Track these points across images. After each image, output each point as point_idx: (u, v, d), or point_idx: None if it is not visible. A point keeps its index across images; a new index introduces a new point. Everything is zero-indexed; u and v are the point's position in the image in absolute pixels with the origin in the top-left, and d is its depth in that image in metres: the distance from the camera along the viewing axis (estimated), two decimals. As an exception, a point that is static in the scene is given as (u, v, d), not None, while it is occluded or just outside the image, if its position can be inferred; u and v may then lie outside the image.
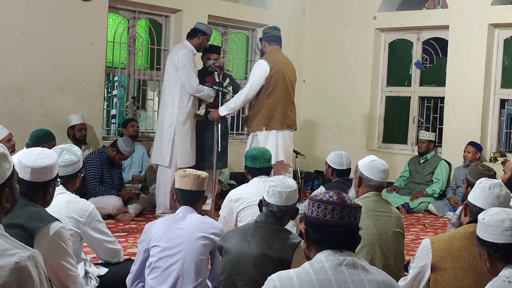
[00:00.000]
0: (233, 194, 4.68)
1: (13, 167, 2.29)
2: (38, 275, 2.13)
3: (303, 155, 8.93)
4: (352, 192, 4.18)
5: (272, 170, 5.07)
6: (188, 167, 6.53)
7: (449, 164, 8.73)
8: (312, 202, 2.44)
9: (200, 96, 7.03)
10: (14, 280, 2.06)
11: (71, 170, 3.70)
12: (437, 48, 9.70)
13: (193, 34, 7.12)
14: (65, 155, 3.67)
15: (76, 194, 3.83)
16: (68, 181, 3.71)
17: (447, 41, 9.05)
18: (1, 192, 2.21)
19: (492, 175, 4.47)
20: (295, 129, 7.43)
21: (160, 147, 7.07)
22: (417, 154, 8.92)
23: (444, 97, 9.11)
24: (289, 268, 2.49)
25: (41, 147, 3.56)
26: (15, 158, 3.39)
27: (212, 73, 7.14)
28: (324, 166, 5.63)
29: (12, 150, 6.59)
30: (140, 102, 9.11)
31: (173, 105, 6.99)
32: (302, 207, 5.30)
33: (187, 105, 7.02)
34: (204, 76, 7.22)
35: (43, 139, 6.13)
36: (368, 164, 4.08)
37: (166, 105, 7.06)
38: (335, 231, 2.38)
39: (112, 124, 9.57)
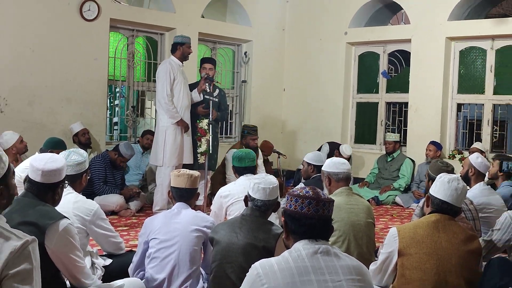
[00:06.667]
0: (222, 191, 4.66)
1: (9, 165, 2.27)
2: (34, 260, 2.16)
3: (285, 155, 8.94)
4: (325, 192, 4.21)
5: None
6: (183, 166, 6.58)
7: (413, 161, 8.77)
8: (291, 197, 2.44)
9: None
10: (11, 260, 2.08)
11: (78, 169, 3.68)
12: (401, 59, 9.74)
13: (173, 48, 6.98)
14: (72, 156, 3.67)
15: (83, 194, 3.81)
16: (75, 180, 3.68)
17: (410, 53, 9.09)
18: None
19: (450, 170, 4.51)
20: None
21: (156, 149, 6.99)
22: (385, 153, 8.95)
23: (408, 102, 9.16)
24: (273, 256, 2.48)
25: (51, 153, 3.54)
26: (27, 162, 3.37)
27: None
28: (302, 165, 5.62)
29: (26, 150, 6.58)
30: (139, 110, 9.07)
31: (163, 112, 6.86)
32: (284, 201, 5.30)
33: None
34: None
35: (56, 146, 6.09)
36: (330, 162, 4.19)
37: (159, 112, 6.99)
38: (311, 222, 2.37)
39: (114, 131, 9.52)
